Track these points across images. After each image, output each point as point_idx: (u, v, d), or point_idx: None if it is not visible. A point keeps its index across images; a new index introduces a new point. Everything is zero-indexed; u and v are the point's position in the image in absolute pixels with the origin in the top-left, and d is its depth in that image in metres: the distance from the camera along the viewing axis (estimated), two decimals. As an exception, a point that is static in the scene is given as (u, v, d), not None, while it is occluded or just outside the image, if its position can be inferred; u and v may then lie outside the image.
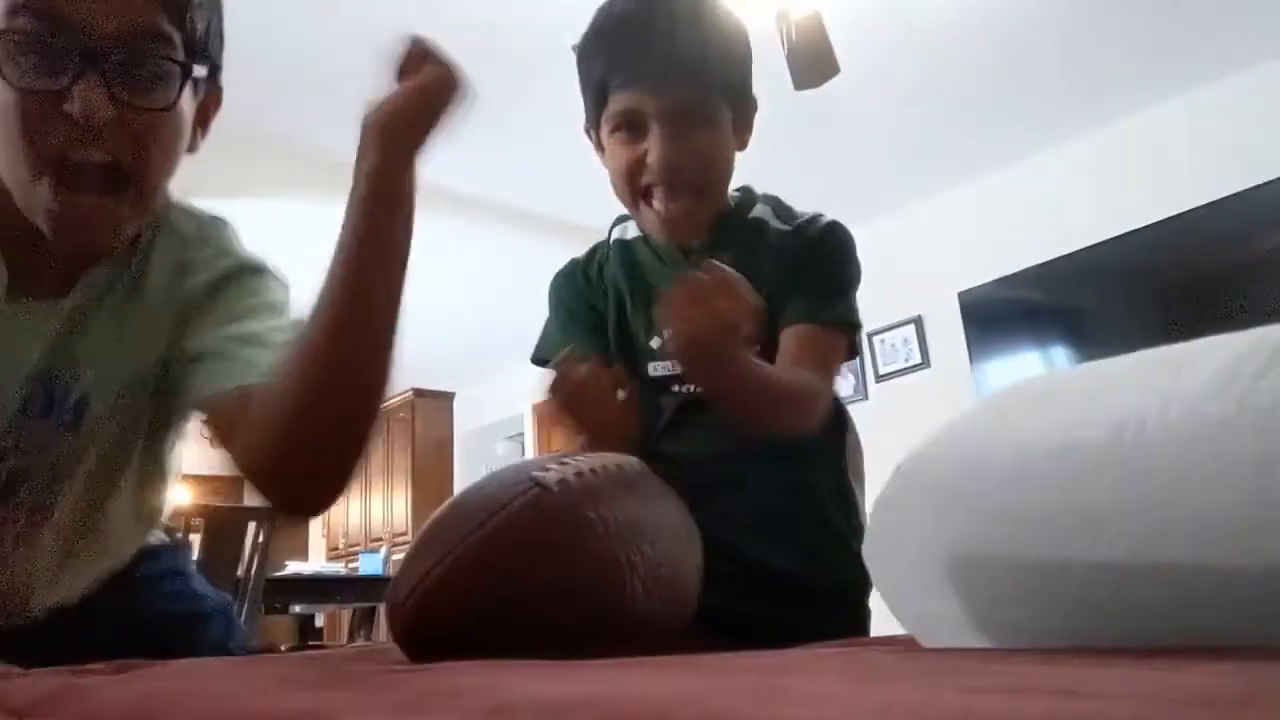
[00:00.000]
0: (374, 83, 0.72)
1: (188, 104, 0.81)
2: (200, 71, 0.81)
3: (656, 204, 1.08)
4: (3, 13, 0.72)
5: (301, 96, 3.54)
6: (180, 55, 0.77)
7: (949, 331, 4.65)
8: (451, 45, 0.72)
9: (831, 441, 1.14)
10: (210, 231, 0.94)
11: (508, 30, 3.22)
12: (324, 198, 3.95)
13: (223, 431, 0.82)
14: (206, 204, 0.98)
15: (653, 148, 1.04)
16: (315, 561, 7.86)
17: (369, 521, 7.79)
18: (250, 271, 0.92)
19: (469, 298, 5.56)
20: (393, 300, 0.73)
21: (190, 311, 0.89)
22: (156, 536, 1.13)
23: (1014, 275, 4.41)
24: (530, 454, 6.99)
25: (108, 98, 0.73)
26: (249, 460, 0.78)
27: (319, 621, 6.36)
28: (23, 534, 0.93)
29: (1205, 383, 0.42)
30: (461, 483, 7.60)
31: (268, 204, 3.95)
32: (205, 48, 0.81)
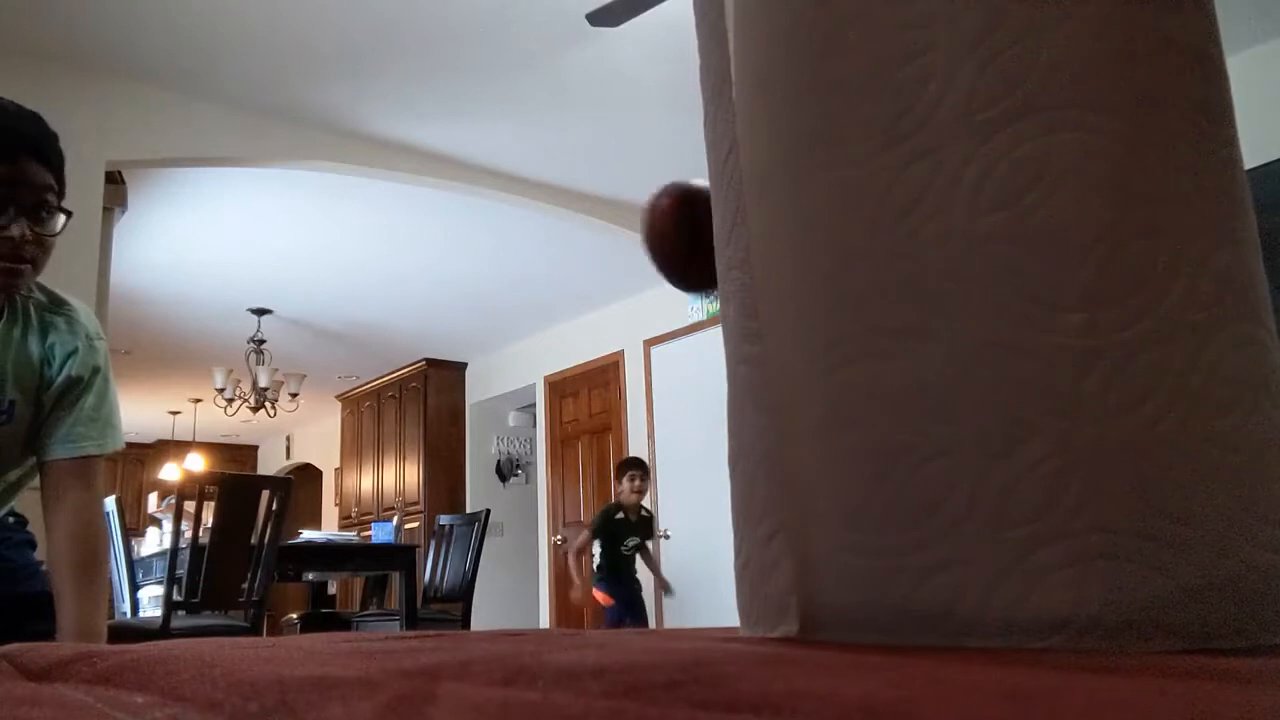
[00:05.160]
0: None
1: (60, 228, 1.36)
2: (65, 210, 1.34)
3: None
4: None
5: (319, 67, 3.53)
6: (58, 203, 1.33)
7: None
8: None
9: None
10: (75, 317, 1.43)
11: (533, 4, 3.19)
12: (344, 166, 3.93)
13: (47, 490, 1.39)
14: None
15: None
16: (328, 529, 7.94)
17: (381, 491, 7.85)
18: (102, 376, 1.45)
19: (482, 268, 5.54)
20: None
21: (53, 380, 1.40)
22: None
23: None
24: (542, 424, 7.00)
25: (29, 229, 1.28)
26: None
27: (331, 589, 6.43)
28: None
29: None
30: (473, 452, 7.64)
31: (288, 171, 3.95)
32: (64, 196, 1.36)
